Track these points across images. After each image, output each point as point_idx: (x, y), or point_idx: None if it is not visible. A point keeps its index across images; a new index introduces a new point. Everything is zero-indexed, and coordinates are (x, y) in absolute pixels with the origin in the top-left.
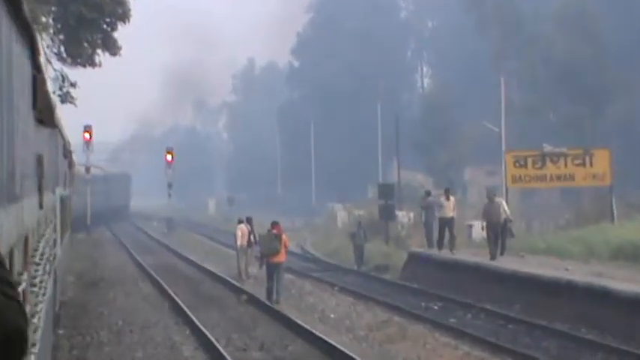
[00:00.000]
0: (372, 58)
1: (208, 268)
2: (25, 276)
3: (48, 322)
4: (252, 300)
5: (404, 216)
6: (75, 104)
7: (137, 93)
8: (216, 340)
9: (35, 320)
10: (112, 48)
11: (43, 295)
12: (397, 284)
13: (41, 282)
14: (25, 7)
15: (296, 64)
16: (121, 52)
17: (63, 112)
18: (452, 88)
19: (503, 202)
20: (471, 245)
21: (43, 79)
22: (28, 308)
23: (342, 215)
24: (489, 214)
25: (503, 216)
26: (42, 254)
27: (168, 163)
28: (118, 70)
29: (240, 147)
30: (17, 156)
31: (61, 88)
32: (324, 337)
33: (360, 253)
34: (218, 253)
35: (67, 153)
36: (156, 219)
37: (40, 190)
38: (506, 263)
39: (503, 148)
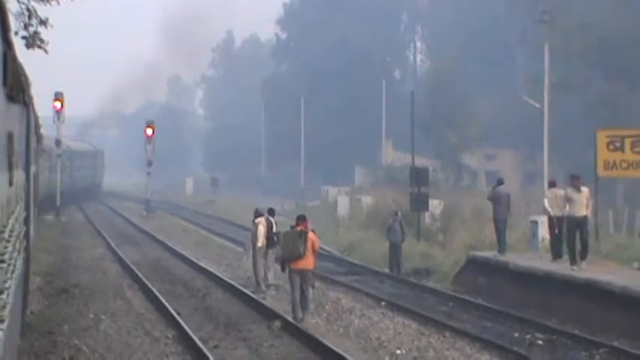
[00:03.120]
0: (363, 31)
1: (208, 268)
2: None
3: (17, 301)
4: (289, 327)
5: (435, 206)
6: (45, 50)
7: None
8: None
9: (4, 296)
10: None
11: (12, 272)
12: (461, 300)
13: (10, 259)
14: None
15: (283, 36)
16: None
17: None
18: (458, 63)
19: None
20: (535, 247)
21: (14, 56)
22: None
23: (343, 202)
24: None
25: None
26: (11, 231)
27: (149, 138)
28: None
29: (219, 124)
30: None
31: (26, 27)
32: None
33: (397, 253)
34: (210, 244)
35: (37, 128)
36: (132, 200)
37: (9, 167)
38: (624, 279)
39: (546, 127)
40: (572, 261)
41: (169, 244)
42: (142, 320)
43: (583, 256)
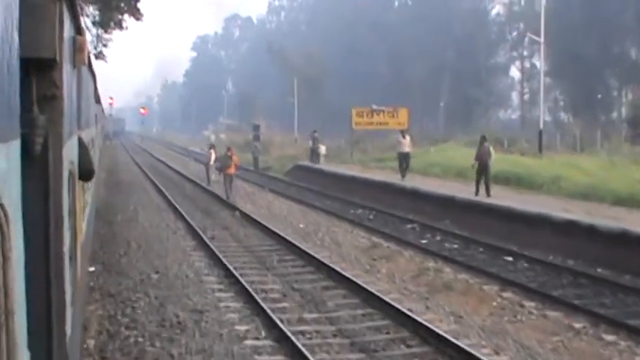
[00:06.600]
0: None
1: (177, 169)
2: (92, 149)
3: (97, 187)
4: (244, 215)
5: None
6: (106, 60)
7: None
8: (271, 309)
9: (91, 184)
10: (136, 14)
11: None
12: (301, 186)
13: (95, 150)
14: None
15: (187, 80)
16: (143, 18)
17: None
18: (252, 88)
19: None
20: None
21: (96, 84)
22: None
23: (212, 136)
24: (482, 155)
25: (492, 157)
26: (98, 143)
27: (143, 114)
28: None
29: (162, 108)
30: (90, 114)
31: (95, 48)
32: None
33: (257, 161)
34: (167, 152)
35: (102, 111)
36: (135, 135)
37: (96, 123)
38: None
39: (296, 113)
40: (403, 175)
41: (153, 153)
42: (160, 211)
43: (405, 172)
